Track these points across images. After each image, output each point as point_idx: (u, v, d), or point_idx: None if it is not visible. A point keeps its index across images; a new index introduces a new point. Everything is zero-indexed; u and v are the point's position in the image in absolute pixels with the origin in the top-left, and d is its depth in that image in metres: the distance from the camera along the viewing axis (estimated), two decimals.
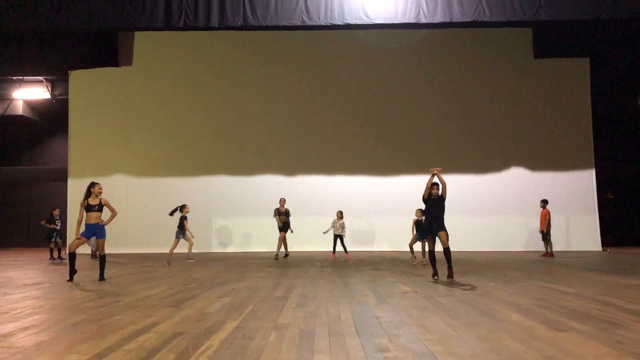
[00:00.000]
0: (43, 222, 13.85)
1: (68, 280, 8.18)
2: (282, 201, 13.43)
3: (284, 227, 13.24)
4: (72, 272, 8.28)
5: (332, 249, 13.95)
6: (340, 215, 13.87)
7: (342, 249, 13.79)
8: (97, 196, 8.29)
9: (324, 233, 13.78)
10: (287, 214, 13.33)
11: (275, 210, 13.35)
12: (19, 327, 4.53)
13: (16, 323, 4.73)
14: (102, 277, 8.30)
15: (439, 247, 8.17)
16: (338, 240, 13.76)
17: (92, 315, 5.11)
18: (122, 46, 17.69)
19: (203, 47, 17.54)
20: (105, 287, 7.50)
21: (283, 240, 13.24)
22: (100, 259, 8.43)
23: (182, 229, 12.13)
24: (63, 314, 5.25)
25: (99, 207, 8.31)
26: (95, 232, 8.26)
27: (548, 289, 6.82)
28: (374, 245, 16.66)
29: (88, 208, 8.24)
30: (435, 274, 8.20)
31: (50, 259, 13.41)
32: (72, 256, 8.35)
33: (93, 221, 8.23)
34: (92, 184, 8.40)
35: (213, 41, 17.30)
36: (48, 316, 5.13)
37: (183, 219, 12.19)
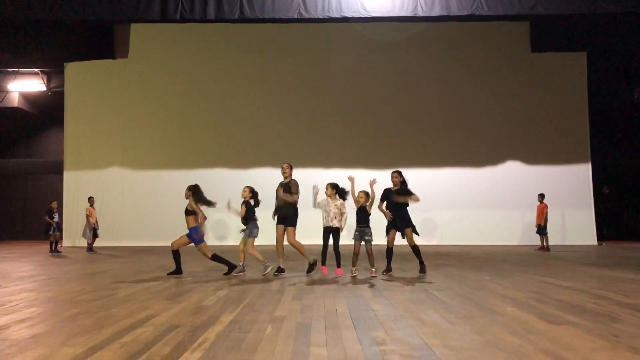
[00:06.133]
0: (46, 217, 13.85)
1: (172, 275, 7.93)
2: (286, 168, 8.28)
3: (287, 214, 8.07)
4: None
5: (323, 256, 8.14)
6: (333, 191, 7.83)
7: (335, 261, 7.89)
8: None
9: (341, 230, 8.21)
10: (290, 189, 8.02)
11: (279, 185, 8.28)
12: (14, 320, 4.51)
13: (11, 315, 4.72)
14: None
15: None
16: (331, 238, 7.92)
17: (87, 308, 5.10)
18: (118, 38, 17.60)
19: (199, 40, 17.42)
20: (101, 280, 7.48)
21: (286, 243, 8.17)
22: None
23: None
24: (59, 306, 5.24)
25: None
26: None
27: (544, 283, 6.84)
28: None
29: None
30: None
31: (50, 251, 13.42)
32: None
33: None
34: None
35: (209, 33, 17.17)
36: (44, 309, 5.12)
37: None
